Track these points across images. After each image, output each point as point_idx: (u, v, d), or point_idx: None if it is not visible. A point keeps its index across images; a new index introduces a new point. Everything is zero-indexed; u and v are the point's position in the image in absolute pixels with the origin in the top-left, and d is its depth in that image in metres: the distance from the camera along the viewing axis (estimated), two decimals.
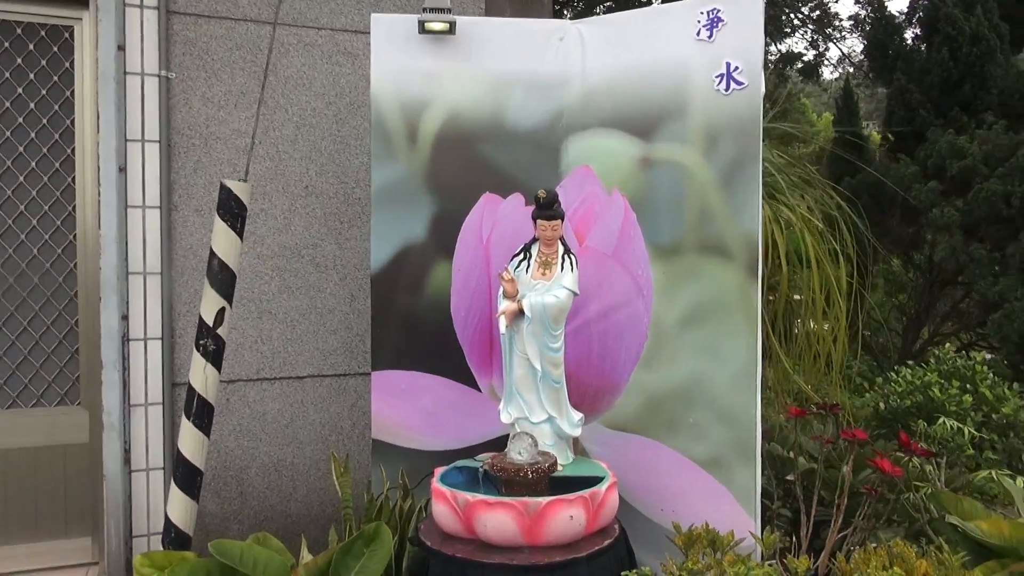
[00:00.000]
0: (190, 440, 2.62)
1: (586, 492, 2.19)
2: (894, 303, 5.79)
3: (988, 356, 5.14)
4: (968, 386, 3.52)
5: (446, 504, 2.21)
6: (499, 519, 2.12)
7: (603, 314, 2.69)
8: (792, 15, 8.46)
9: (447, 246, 2.77)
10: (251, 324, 3.29)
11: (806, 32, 8.70)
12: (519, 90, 2.75)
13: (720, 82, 2.53)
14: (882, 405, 3.48)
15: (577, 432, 2.44)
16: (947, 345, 3.93)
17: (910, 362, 3.83)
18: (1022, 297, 4.81)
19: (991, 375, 3.59)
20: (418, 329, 2.80)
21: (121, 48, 3.04)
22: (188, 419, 2.62)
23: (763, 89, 2.52)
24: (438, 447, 2.79)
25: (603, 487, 2.24)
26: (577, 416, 2.45)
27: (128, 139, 3.08)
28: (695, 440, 2.59)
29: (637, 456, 2.66)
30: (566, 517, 2.13)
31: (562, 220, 2.41)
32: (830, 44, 8.60)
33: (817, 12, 8.40)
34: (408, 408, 2.80)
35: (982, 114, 5.48)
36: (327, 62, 3.33)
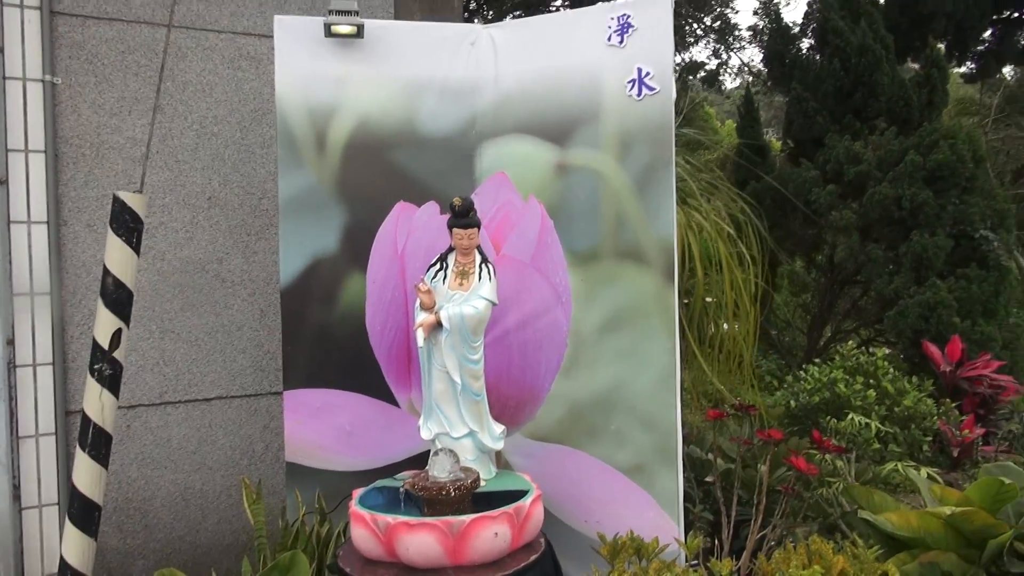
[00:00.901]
0: (86, 472, 2.42)
1: (510, 507, 2.12)
2: (799, 303, 5.98)
3: (887, 351, 5.37)
4: (871, 381, 3.64)
5: (366, 528, 2.10)
6: (422, 541, 2.02)
7: (522, 323, 2.63)
8: (695, 25, 8.69)
9: (361, 257, 2.66)
10: (152, 345, 3.08)
11: (708, 42, 8.95)
12: (431, 95, 2.68)
13: (632, 87, 2.52)
14: (792, 403, 3.56)
15: (499, 445, 2.37)
16: (849, 342, 4.06)
17: (816, 360, 3.93)
18: (915, 294, 5.03)
19: (891, 370, 3.72)
20: (332, 345, 2.68)
21: (0, 50, 2.81)
22: (83, 450, 2.42)
23: (674, 95, 2.52)
24: (357, 467, 2.67)
25: (527, 501, 2.18)
26: (499, 429, 2.38)
27: (9, 149, 2.84)
28: (617, 447, 2.56)
29: (560, 466, 2.62)
30: (490, 535, 2.06)
31: (479, 228, 2.34)
32: (731, 53, 8.87)
33: (718, 23, 8.66)
34: (324, 427, 2.68)
35: (874, 120, 5.73)
36: (229, 67, 3.17)
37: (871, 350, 3.94)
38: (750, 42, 8.84)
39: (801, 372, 3.81)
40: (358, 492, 2.32)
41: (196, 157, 3.13)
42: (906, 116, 5.81)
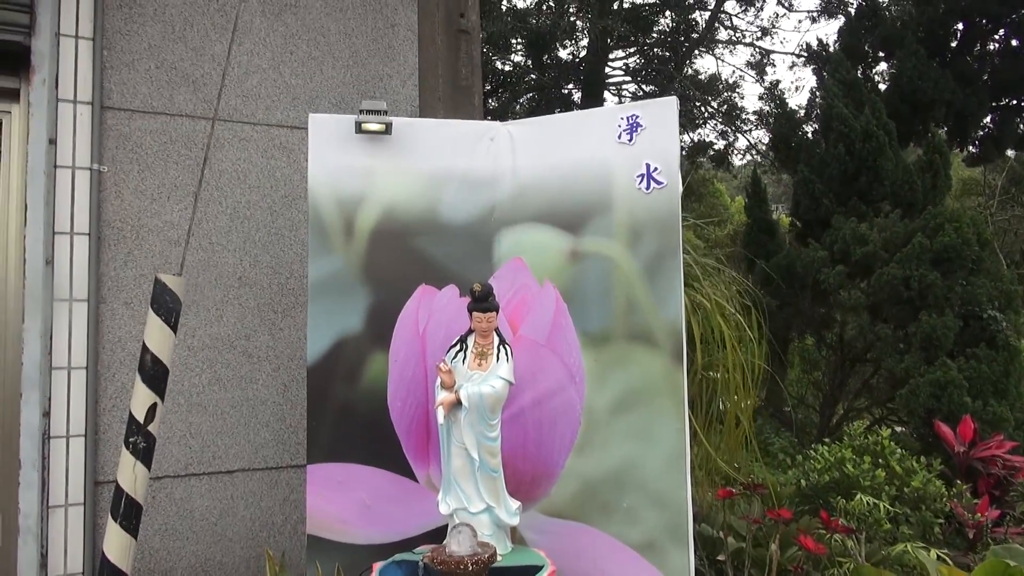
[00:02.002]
0: (117, 543, 2.53)
1: None
2: (810, 380, 6.05)
3: (899, 430, 5.41)
4: (880, 461, 3.70)
5: None
6: None
7: (537, 402, 2.76)
8: (703, 107, 9.03)
9: (383, 337, 2.81)
10: (180, 418, 3.22)
11: (716, 123, 9.28)
12: (452, 186, 2.87)
13: (641, 181, 2.70)
14: (803, 482, 3.62)
15: (515, 521, 2.47)
16: (859, 421, 4.13)
17: (827, 439, 4.00)
18: (925, 373, 5.11)
19: (899, 450, 3.78)
20: (354, 420, 2.80)
21: (52, 142, 3.04)
22: (115, 520, 2.54)
23: (680, 188, 2.71)
24: (376, 540, 2.77)
25: None
26: (515, 504, 2.48)
27: (56, 231, 3.05)
28: (629, 524, 2.65)
29: (574, 543, 2.70)
30: None
31: (497, 312, 2.50)
32: (738, 135, 9.18)
33: (725, 106, 8.99)
34: (344, 501, 2.78)
35: (879, 203, 5.92)
36: (262, 156, 3.40)
37: (877, 430, 4.00)
38: (756, 126, 9.17)
39: (811, 451, 3.87)
40: (378, 566, 2.41)
41: (229, 239, 3.33)
42: (910, 199, 6.01)
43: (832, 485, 3.55)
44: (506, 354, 2.48)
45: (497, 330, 2.52)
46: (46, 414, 3.00)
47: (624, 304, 2.72)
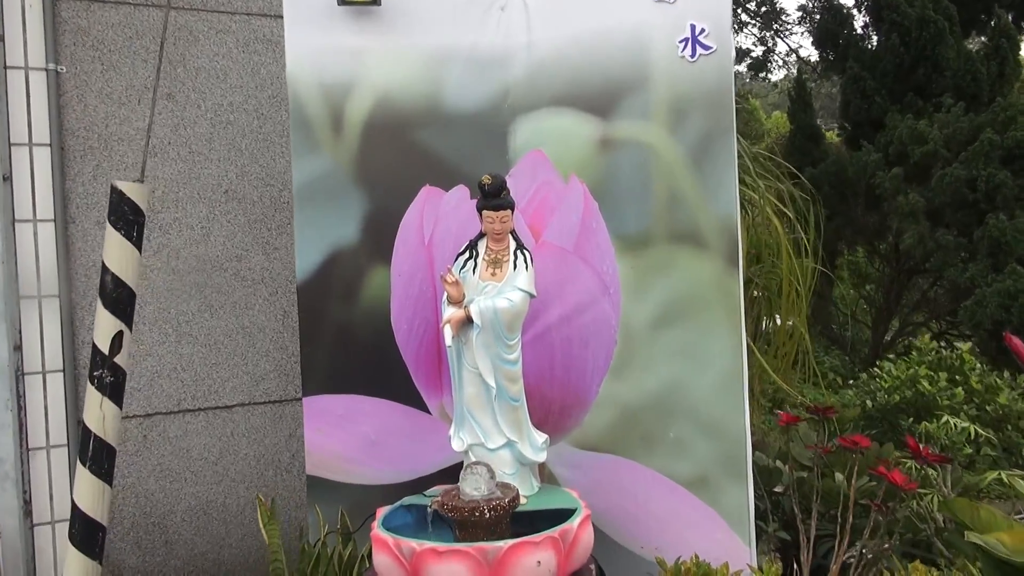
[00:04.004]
0: (88, 490, 2.17)
1: (555, 530, 1.79)
2: (861, 295, 5.53)
3: (960, 346, 4.89)
4: (957, 378, 3.22)
5: (389, 554, 1.79)
6: (452, 571, 1.71)
7: (565, 318, 2.30)
8: (739, 11, 8.26)
9: (384, 249, 2.36)
10: (168, 349, 2.83)
11: (754, 27, 8.50)
12: (457, 67, 2.36)
13: (684, 47, 2.18)
14: (869, 403, 3.16)
15: (542, 457, 2.05)
16: (925, 335, 3.65)
17: (890, 356, 3.52)
18: (992, 283, 4.56)
19: (978, 365, 3.29)
20: (354, 345, 2.38)
21: (0, 39, 2.59)
22: (84, 465, 2.18)
23: (733, 54, 2.17)
24: (384, 480, 2.37)
25: (575, 522, 1.85)
26: (541, 438, 2.05)
27: (13, 143, 2.62)
28: (676, 457, 2.21)
29: (612, 479, 2.28)
30: (532, 563, 1.73)
31: (512, 210, 2.02)
32: (778, 39, 8.41)
33: (764, 7, 8.20)
34: (347, 437, 2.38)
35: (938, 97, 5.26)
36: (243, 51, 2.91)
37: (953, 344, 3.52)
38: (799, 22, 8.35)
39: (875, 369, 3.40)
40: (382, 511, 2.01)
41: (211, 148, 2.88)
42: (974, 91, 5.34)
43: (903, 406, 3.09)
44: (525, 261, 2.01)
45: (513, 233, 2.05)
46: (17, 348, 2.63)
47: (666, 199, 2.22)
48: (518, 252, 2.02)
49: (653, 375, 2.23)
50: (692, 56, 2.16)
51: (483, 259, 2.03)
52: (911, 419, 3.03)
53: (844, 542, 2.10)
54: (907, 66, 5.41)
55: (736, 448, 2.14)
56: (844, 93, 5.94)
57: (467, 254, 2.05)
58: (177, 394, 2.85)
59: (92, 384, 2.16)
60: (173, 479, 2.84)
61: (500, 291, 1.98)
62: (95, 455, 2.16)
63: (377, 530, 1.87)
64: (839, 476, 2.62)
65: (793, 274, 3.02)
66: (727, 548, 2.12)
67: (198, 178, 2.87)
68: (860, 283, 5.56)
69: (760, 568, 1.92)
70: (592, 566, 1.92)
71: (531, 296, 2.00)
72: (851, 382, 4.10)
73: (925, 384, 3.04)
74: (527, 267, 2.00)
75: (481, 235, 2.05)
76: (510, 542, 1.73)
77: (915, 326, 5.34)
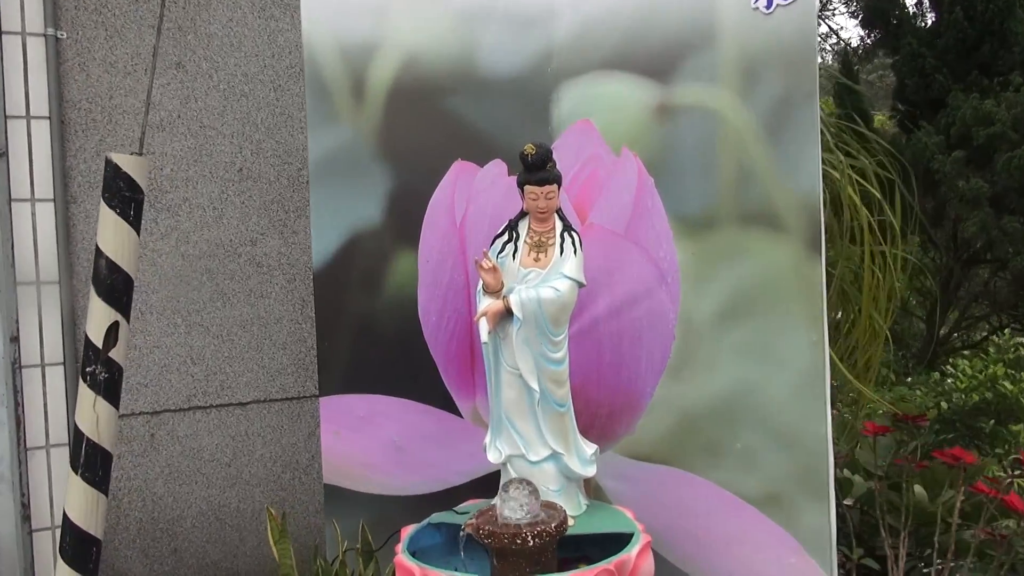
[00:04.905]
0: (80, 500, 1.93)
1: (611, 562, 1.50)
2: (914, 286, 5.14)
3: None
4: None
5: None
6: None
7: (615, 311, 2.00)
8: None
9: (410, 231, 2.07)
10: (177, 341, 2.58)
11: None
12: (493, 26, 2.05)
13: None
14: (944, 405, 2.82)
15: (591, 471, 1.75)
16: (1007, 331, 3.29)
17: (964, 352, 3.18)
18: None
19: None
20: (377, 340, 2.10)
21: None
22: (76, 472, 1.93)
23: (817, 3, 1.85)
24: (410, 490, 2.10)
25: (633, 551, 1.55)
26: (590, 449, 1.76)
27: (9, 115, 2.38)
28: (744, 470, 1.90)
29: (668, 493, 1.98)
30: None
31: (559, 185, 1.72)
32: (821, 21, 7.96)
33: None
34: (368, 442, 2.11)
35: (1006, 75, 4.84)
36: (259, 16, 2.63)
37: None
38: (845, 2, 7.87)
39: (949, 367, 3.06)
40: (408, 530, 1.74)
41: (224, 122, 2.61)
42: None
43: (981, 407, 2.75)
44: (573, 244, 1.71)
45: (560, 212, 1.75)
46: (14, 339, 2.39)
47: (735, 174, 1.91)
48: (565, 234, 1.72)
49: (718, 376, 1.92)
50: (768, 7, 1.84)
51: (525, 242, 1.73)
52: (992, 421, 2.69)
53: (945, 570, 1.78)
54: (971, 42, 4.98)
55: (815, 461, 1.83)
56: (899, 73, 5.52)
57: (506, 236, 1.76)
58: (187, 390, 2.59)
59: (84, 382, 1.90)
60: (183, 482, 2.59)
61: (544, 279, 1.68)
62: (88, 461, 1.91)
63: (402, 556, 1.59)
64: (919, 489, 2.29)
65: (878, 262, 2.71)
66: (801, 575, 1.82)
67: (210, 155, 2.60)
68: (914, 273, 5.18)
69: None
70: None
71: (580, 285, 1.70)
72: (908, 380, 3.75)
73: (1007, 384, 2.70)
74: (576, 251, 1.71)
75: (522, 214, 1.76)
76: None
77: (975, 320, 4.95)
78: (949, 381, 2.92)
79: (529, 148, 1.68)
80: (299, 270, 2.69)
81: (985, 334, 5.18)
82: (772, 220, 1.86)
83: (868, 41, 6.46)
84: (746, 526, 1.89)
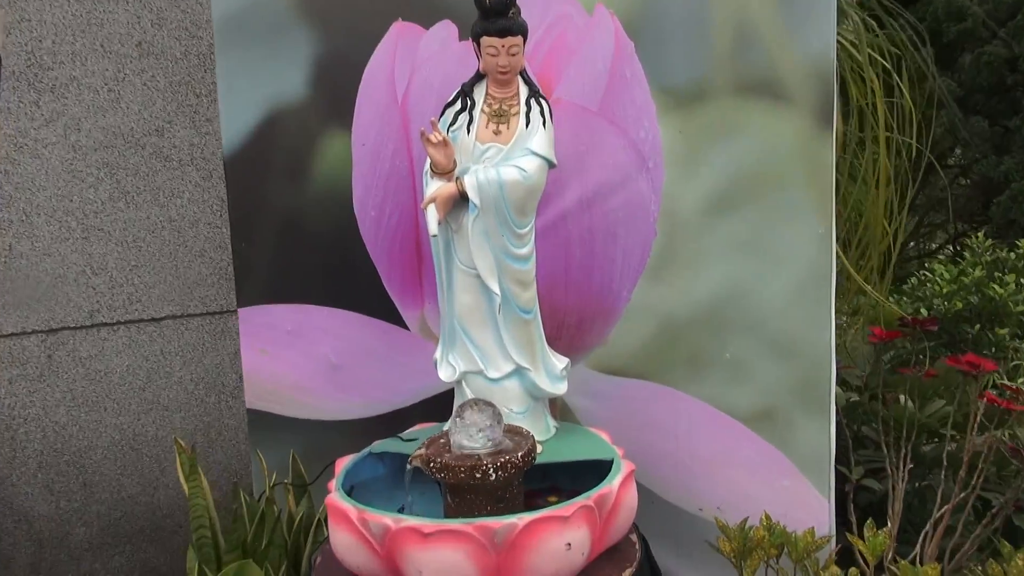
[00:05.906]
0: None
1: (590, 497, 1.22)
2: (876, 193, 4.96)
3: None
4: (1023, 280, 2.69)
5: (351, 531, 1.22)
6: (443, 559, 1.14)
7: (587, 202, 1.67)
8: None
9: (342, 108, 1.69)
10: (73, 247, 2.17)
11: None
12: None
13: None
14: (924, 311, 2.62)
15: (562, 389, 1.46)
16: (979, 234, 3.11)
17: (941, 256, 2.98)
18: None
19: None
20: (306, 240, 1.75)
21: None
22: None
23: None
24: (350, 414, 1.79)
25: (614, 482, 1.28)
26: (560, 363, 1.46)
27: None
28: (735, 384, 1.64)
29: (644, 411, 1.71)
30: (559, 546, 1.17)
31: (524, 37, 1.36)
32: None
33: None
34: (300, 359, 1.78)
35: None
36: None
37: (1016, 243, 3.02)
38: None
39: (926, 273, 2.86)
40: (344, 462, 1.43)
41: None
42: None
43: (966, 313, 2.55)
44: (542, 115, 1.37)
45: (524, 74, 1.39)
46: None
47: (730, 36, 1.56)
48: (532, 101, 1.37)
49: (705, 276, 1.63)
50: None
51: (482, 111, 1.37)
52: (977, 327, 2.50)
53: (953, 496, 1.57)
54: None
55: (815, 372, 1.57)
56: None
57: (458, 105, 1.39)
58: (88, 304, 2.20)
59: None
60: (89, 408, 2.23)
61: (507, 157, 1.34)
62: None
63: (335, 495, 1.28)
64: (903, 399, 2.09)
65: (893, 145, 2.47)
66: (796, 499, 1.60)
67: (100, 25, 2.13)
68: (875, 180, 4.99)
69: (861, 535, 1.39)
70: (634, 536, 1.37)
71: (551, 165, 1.37)
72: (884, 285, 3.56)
73: (996, 288, 2.50)
74: (545, 123, 1.36)
75: (479, 77, 1.39)
76: (527, 517, 1.16)
77: (933, 227, 4.81)
78: (929, 287, 2.71)
79: None
80: (215, 164, 2.28)
81: (939, 244, 5.06)
82: (775, 89, 1.53)
83: None
84: (734, 446, 1.64)
